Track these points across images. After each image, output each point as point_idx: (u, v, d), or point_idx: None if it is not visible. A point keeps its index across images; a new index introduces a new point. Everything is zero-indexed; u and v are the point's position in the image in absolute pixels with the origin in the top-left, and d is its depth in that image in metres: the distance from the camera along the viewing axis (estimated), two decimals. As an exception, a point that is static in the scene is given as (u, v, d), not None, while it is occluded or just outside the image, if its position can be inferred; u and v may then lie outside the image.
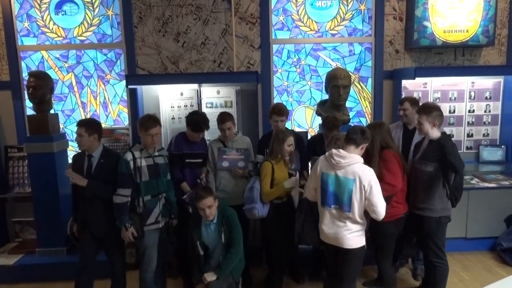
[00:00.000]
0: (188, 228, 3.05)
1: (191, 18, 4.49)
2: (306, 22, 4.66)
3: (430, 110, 2.93)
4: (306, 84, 4.75)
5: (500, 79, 4.67)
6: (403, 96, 4.16)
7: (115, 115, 4.69)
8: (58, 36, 4.55)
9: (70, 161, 3.44)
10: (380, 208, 2.57)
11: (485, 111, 4.74)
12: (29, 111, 4.40)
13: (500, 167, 4.59)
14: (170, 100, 4.28)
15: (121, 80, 4.59)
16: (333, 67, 4.51)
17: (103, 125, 4.63)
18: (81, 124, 3.03)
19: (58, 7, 4.51)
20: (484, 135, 4.77)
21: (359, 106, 4.81)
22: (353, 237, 2.65)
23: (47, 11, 4.51)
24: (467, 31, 4.50)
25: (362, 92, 4.79)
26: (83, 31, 4.55)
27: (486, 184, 4.22)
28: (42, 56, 4.56)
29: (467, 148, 4.78)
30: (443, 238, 3.06)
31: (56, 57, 4.57)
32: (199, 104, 4.29)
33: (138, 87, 4.17)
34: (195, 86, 4.29)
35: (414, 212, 3.09)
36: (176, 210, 3.29)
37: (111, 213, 3.00)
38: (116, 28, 4.54)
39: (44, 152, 3.82)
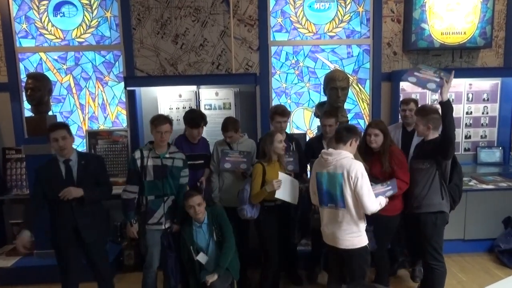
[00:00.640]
0: (180, 236, 3.05)
1: (190, 20, 4.50)
2: (304, 24, 4.67)
3: (425, 112, 3.01)
4: (305, 86, 4.75)
5: (497, 81, 4.69)
6: (401, 98, 4.18)
7: (113, 117, 4.68)
8: (57, 38, 4.55)
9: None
10: (367, 200, 2.57)
11: (482, 113, 4.75)
12: (27, 113, 4.40)
13: (498, 169, 4.60)
14: (169, 102, 4.29)
15: (120, 82, 4.58)
16: (331, 69, 4.52)
17: (102, 127, 4.65)
18: (62, 126, 2.81)
19: (57, 8, 4.51)
20: (481, 136, 4.78)
21: (357, 108, 4.82)
22: (351, 237, 2.66)
23: (46, 12, 4.50)
24: (464, 33, 4.52)
25: (360, 94, 4.80)
26: (82, 33, 4.55)
27: (484, 186, 4.23)
28: (40, 58, 4.56)
29: (465, 150, 4.79)
30: (441, 240, 3.07)
31: (55, 58, 4.57)
32: (198, 106, 4.29)
33: (136, 89, 4.18)
34: (193, 88, 4.30)
35: (411, 213, 3.09)
36: (179, 215, 3.13)
37: (101, 216, 2.98)
38: (114, 30, 4.54)
39: (42, 154, 3.76)
